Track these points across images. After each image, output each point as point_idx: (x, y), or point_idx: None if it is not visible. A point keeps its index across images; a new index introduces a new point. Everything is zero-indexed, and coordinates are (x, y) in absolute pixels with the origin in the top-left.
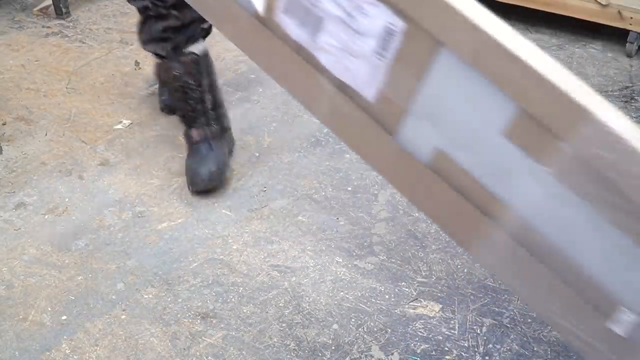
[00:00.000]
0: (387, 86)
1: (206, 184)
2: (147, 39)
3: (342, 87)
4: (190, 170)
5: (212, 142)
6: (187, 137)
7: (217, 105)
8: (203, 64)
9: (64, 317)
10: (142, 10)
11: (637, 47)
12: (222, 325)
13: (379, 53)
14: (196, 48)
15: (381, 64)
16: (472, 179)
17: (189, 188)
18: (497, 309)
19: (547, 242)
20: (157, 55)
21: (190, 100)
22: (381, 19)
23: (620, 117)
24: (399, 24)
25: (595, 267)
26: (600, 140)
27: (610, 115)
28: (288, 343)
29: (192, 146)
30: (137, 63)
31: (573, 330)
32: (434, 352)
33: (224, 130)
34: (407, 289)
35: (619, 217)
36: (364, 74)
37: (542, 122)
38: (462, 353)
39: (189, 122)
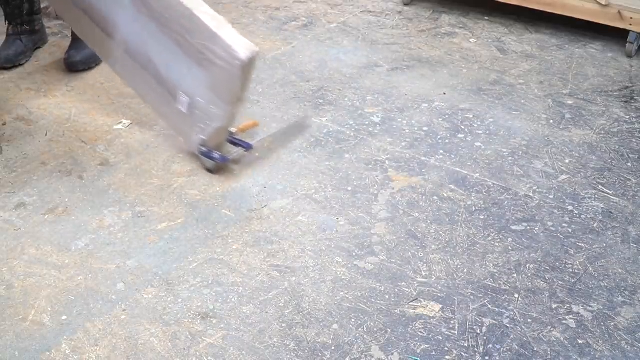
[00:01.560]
0: None
1: (2, 63)
2: None
3: None
4: None
5: (22, 37)
6: (7, 30)
7: (33, 12)
8: None
9: (64, 317)
10: None
11: (637, 47)
12: (222, 325)
13: None
14: None
15: None
16: (100, 12)
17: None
18: (497, 309)
19: (138, 50)
20: None
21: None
22: None
23: None
24: None
25: (164, 66)
26: None
27: None
28: (288, 343)
29: (8, 37)
30: None
31: (166, 114)
32: (434, 352)
33: (33, 32)
34: (407, 289)
35: (164, 28)
36: None
37: None
38: (462, 353)
39: (8, 19)
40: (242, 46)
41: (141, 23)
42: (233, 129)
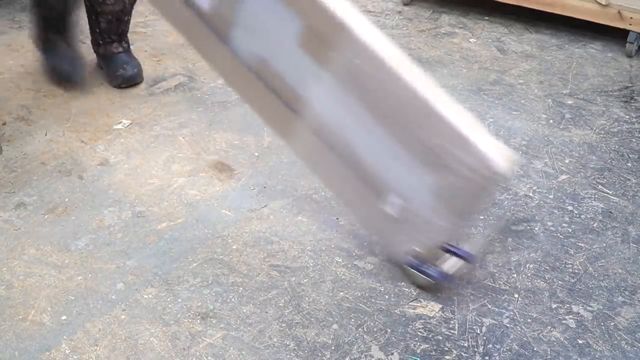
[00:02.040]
0: (218, 1)
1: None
2: None
3: (188, 2)
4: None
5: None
6: (107, 50)
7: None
8: None
9: (64, 317)
10: None
11: (637, 47)
12: (222, 325)
13: None
14: None
15: None
16: (283, 81)
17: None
18: (497, 309)
19: (337, 136)
20: None
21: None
22: None
23: (375, 34)
24: None
25: (371, 160)
26: (357, 52)
27: (367, 32)
28: (288, 343)
29: (113, 56)
30: None
31: (362, 213)
32: (434, 352)
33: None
34: (407, 289)
35: (382, 118)
36: None
37: (320, 35)
38: (462, 353)
39: (116, 39)
40: (498, 156)
41: (346, 104)
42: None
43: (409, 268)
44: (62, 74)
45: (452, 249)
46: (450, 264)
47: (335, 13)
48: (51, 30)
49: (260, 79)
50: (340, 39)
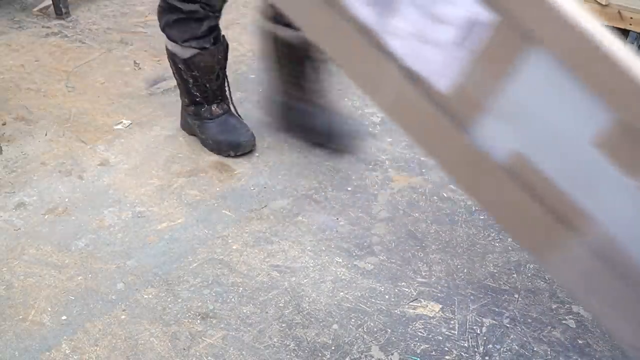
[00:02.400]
0: (465, 79)
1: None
2: (191, 37)
3: (412, 76)
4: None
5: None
6: (209, 112)
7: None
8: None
9: (64, 317)
10: (188, 13)
11: (637, 47)
12: (222, 325)
13: (459, 44)
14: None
15: (460, 55)
16: (553, 187)
17: (228, 154)
18: (497, 309)
19: (631, 260)
20: (201, 48)
21: (219, 80)
22: (466, 6)
23: None
24: (486, 13)
25: None
26: None
27: None
28: (288, 343)
29: (217, 118)
30: (136, 63)
31: None
32: (434, 352)
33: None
34: (407, 289)
35: None
36: (439, 63)
37: (634, 133)
38: (462, 353)
39: (215, 98)
40: None
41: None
42: None
43: None
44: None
45: None
46: None
47: None
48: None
49: (515, 180)
50: None
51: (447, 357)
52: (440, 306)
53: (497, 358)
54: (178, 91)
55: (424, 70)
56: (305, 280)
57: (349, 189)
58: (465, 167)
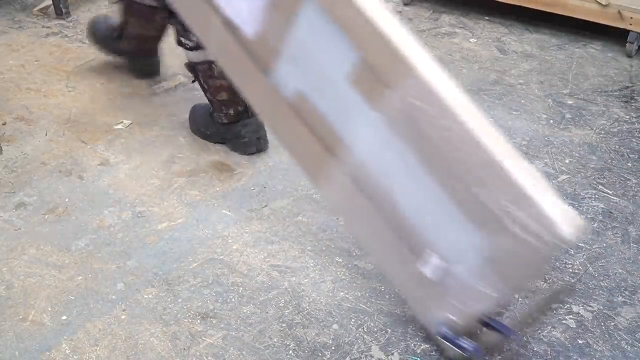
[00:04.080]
0: (264, 27)
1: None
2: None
3: (230, 25)
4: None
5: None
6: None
7: None
8: None
9: (64, 317)
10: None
11: (637, 47)
12: (222, 325)
13: None
14: None
15: (260, 4)
16: (323, 120)
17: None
18: (497, 309)
19: (376, 184)
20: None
21: None
22: None
23: (440, 75)
24: None
25: (413, 214)
26: (420, 93)
27: (431, 73)
28: (288, 343)
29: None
30: None
31: (396, 272)
32: (434, 352)
33: None
34: None
35: (434, 168)
36: (247, 12)
37: (376, 72)
38: (462, 353)
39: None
40: (565, 220)
41: (394, 149)
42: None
43: (442, 340)
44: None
45: (490, 322)
46: (487, 338)
47: (398, 47)
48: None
49: (299, 116)
50: (400, 76)
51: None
52: None
53: (497, 358)
54: (178, 91)
55: (238, 19)
56: (305, 280)
57: None
58: (267, 106)
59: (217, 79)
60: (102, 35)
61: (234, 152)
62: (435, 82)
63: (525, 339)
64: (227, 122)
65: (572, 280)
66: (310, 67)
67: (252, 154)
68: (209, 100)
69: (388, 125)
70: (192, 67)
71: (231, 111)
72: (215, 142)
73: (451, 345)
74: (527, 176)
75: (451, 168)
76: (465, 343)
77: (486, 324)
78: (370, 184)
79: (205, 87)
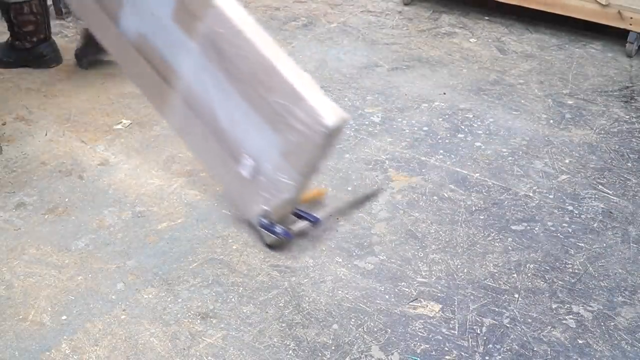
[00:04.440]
0: None
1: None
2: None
3: None
4: None
5: None
6: None
7: None
8: None
9: (64, 317)
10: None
11: (637, 47)
12: (222, 325)
13: None
14: None
15: None
16: (160, 56)
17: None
18: (497, 309)
19: (201, 103)
20: None
21: None
22: None
23: (236, 6)
24: None
25: (229, 123)
26: (219, 21)
27: (229, 6)
28: (288, 343)
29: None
30: None
31: (222, 176)
32: (434, 352)
33: None
34: (407, 289)
35: (237, 83)
36: None
37: (188, 8)
38: (462, 353)
39: None
40: (328, 112)
41: (209, 72)
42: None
43: (261, 228)
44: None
45: (301, 213)
46: (297, 225)
47: None
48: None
49: (142, 55)
50: (206, 10)
51: (447, 357)
52: (440, 306)
53: (497, 358)
54: None
55: None
56: (305, 280)
57: (349, 189)
58: (119, 49)
59: (25, 15)
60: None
61: (39, 68)
62: (233, 13)
63: (328, 222)
64: (30, 47)
65: (572, 280)
66: (145, 12)
67: (52, 67)
68: (14, 32)
69: (202, 52)
70: (5, 5)
71: (34, 39)
72: (17, 67)
73: (268, 232)
74: (299, 78)
75: (248, 80)
76: (278, 229)
77: (298, 215)
78: (197, 105)
79: (15, 21)
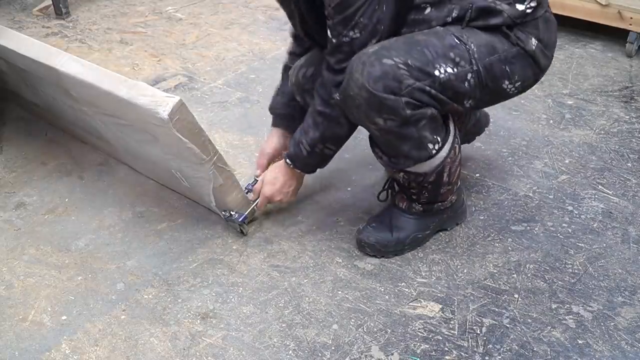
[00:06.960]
0: None
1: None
2: None
3: None
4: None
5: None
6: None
7: None
8: None
9: (64, 317)
10: None
11: (637, 47)
12: (222, 325)
13: None
14: None
15: None
16: (83, 122)
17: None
18: (497, 309)
19: (127, 148)
20: None
21: None
22: None
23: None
24: None
25: (144, 154)
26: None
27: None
28: (288, 343)
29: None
30: (135, 63)
31: (184, 192)
32: (434, 352)
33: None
34: (407, 289)
35: (118, 123)
36: None
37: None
38: (462, 353)
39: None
40: (159, 105)
41: (111, 127)
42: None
43: (228, 221)
44: None
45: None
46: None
47: None
48: None
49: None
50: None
51: (447, 357)
52: (440, 306)
53: (497, 358)
54: (178, 91)
55: None
56: (305, 280)
57: (349, 189)
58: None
59: None
60: None
61: None
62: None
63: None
64: None
65: (572, 281)
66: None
67: None
68: None
69: (97, 117)
70: None
71: None
72: None
73: (233, 223)
74: (123, 86)
75: (113, 115)
76: (235, 214)
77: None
78: (128, 148)
79: None
